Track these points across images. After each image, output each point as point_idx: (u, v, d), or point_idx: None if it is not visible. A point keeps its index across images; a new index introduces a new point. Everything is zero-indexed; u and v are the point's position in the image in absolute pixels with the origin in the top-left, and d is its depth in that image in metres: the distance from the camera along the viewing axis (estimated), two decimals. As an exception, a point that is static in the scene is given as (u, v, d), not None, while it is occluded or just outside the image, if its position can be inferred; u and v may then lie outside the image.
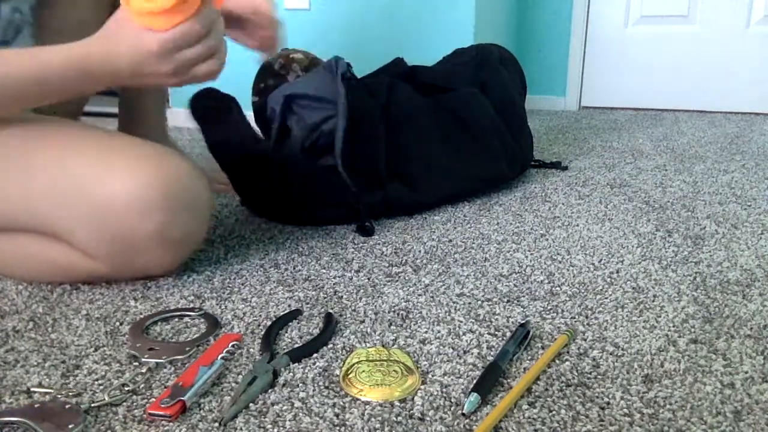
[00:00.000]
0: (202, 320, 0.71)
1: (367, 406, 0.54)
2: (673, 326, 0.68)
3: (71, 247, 0.75)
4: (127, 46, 0.70)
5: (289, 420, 0.53)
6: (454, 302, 0.75)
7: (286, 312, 0.72)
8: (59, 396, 0.57)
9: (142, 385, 0.58)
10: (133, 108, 1.22)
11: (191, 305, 0.75)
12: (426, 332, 0.67)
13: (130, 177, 0.71)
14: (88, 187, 0.71)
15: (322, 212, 1.04)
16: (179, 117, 2.15)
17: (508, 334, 0.66)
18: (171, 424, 0.52)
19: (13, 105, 0.74)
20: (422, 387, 0.57)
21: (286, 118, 1.05)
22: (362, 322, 0.70)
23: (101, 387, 0.58)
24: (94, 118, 2.04)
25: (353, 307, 0.74)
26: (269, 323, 0.69)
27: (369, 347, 0.64)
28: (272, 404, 0.55)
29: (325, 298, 0.77)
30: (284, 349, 0.65)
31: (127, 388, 0.57)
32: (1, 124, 0.76)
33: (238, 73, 1.97)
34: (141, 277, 0.81)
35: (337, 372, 0.60)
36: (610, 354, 0.62)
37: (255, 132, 1.08)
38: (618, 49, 2.38)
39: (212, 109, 1.03)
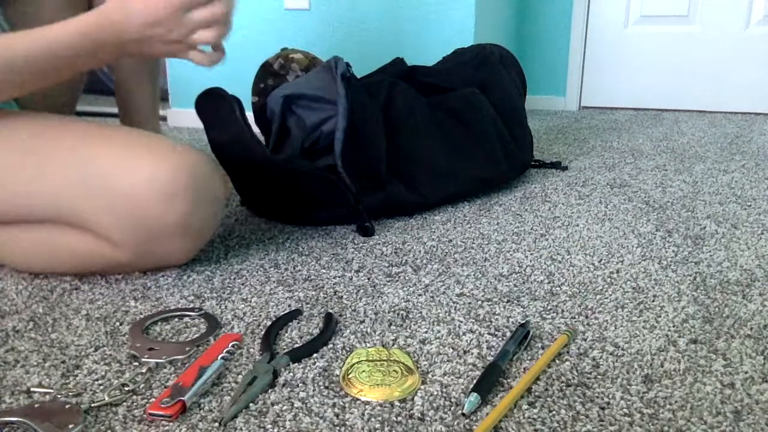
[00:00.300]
0: (202, 320, 0.71)
1: (367, 406, 0.54)
2: (673, 326, 0.68)
3: (92, 236, 0.76)
4: (142, 5, 0.71)
5: (289, 420, 0.53)
6: (454, 302, 0.75)
7: (286, 312, 0.72)
8: (59, 396, 0.57)
9: (142, 385, 0.58)
10: (129, 104, 1.22)
11: (191, 305, 0.75)
12: (426, 332, 0.67)
13: (156, 166, 0.73)
14: (114, 176, 0.73)
15: (322, 212, 1.04)
16: (179, 117, 2.15)
17: (508, 334, 0.66)
18: (171, 424, 0.52)
19: (26, 84, 0.74)
20: (422, 387, 0.57)
21: (286, 119, 1.05)
22: (362, 322, 0.70)
23: (101, 387, 0.58)
24: (91, 118, 2.05)
25: (353, 307, 0.74)
26: (269, 323, 0.69)
27: (369, 347, 0.64)
28: (272, 404, 0.55)
29: (325, 298, 0.77)
30: (284, 349, 0.65)
31: (127, 388, 0.57)
32: (16, 119, 0.77)
33: (238, 73, 1.97)
34: (159, 267, 0.83)
35: (337, 372, 0.60)
36: (610, 354, 0.62)
37: (255, 133, 1.07)
38: (618, 49, 2.38)
39: (217, 108, 1.03)
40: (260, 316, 0.72)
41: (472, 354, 0.63)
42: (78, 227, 0.77)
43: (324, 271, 0.85)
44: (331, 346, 0.65)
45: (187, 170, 0.74)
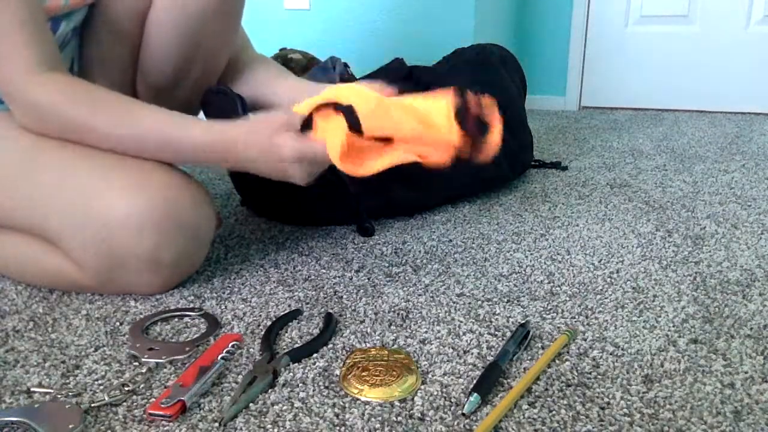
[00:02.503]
0: (202, 320, 0.71)
1: (367, 406, 0.54)
2: (673, 326, 0.68)
3: (63, 255, 0.75)
4: (262, 147, 0.73)
5: (289, 420, 0.53)
6: (454, 302, 0.75)
7: (286, 312, 0.72)
8: (59, 396, 0.57)
9: (142, 385, 0.58)
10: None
11: (191, 305, 0.75)
12: (426, 332, 0.67)
13: (129, 194, 0.71)
14: (88, 197, 0.71)
15: (322, 212, 1.04)
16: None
17: (508, 334, 0.66)
18: (171, 424, 0.52)
19: (135, 153, 0.75)
20: (422, 387, 0.57)
21: (286, 119, 1.05)
22: (362, 322, 0.70)
23: (101, 387, 0.58)
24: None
25: (353, 307, 0.74)
26: (269, 323, 0.69)
27: (369, 347, 0.64)
28: (272, 404, 0.55)
29: (325, 298, 0.77)
30: (284, 349, 0.65)
31: (127, 388, 0.57)
32: (13, 126, 0.76)
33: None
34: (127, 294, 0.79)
35: (337, 372, 0.60)
36: (610, 354, 0.62)
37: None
38: (618, 49, 2.38)
39: (220, 105, 1.04)
40: (260, 316, 0.72)
41: (472, 354, 0.63)
42: (50, 244, 0.75)
43: (324, 271, 0.85)
44: (331, 346, 0.65)
45: (161, 201, 0.71)
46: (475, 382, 0.57)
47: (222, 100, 1.01)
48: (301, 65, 1.26)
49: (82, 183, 0.72)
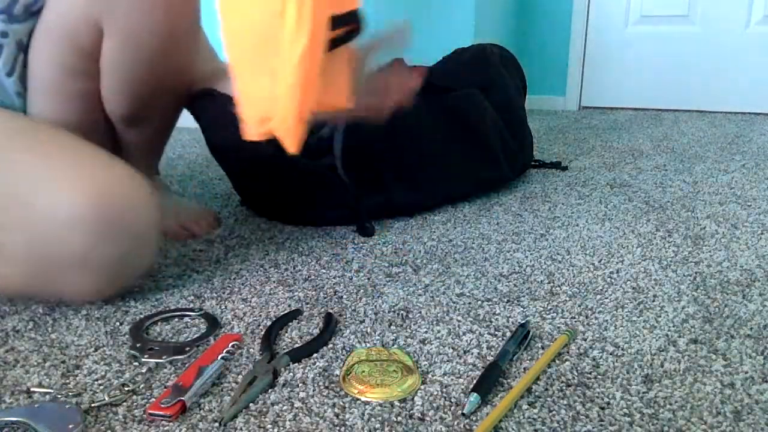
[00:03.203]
0: (202, 320, 0.71)
1: (367, 406, 0.54)
2: (673, 326, 0.68)
3: None
4: None
5: (289, 420, 0.53)
6: (454, 302, 0.75)
7: (286, 312, 0.72)
8: (59, 396, 0.57)
9: (142, 385, 0.58)
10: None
11: (191, 305, 0.75)
12: (426, 332, 0.67)
13: (64, 190, 0.67)
14: (23, 190, 0.68)
15: (322, 213, 1.04)
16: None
17: (508, 334, 0.66)
18: (171, 424, 0.52)
19: None
20: (422, 387, 0.57)
21: (286, 119, 1.05)
22: (362, 322, 0.70)
23: (101, 387, 0.58)
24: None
25: (353, 307, 0.74)
26: (269, 323, 0.69)
27: (369, 347, 0.64)
28: (272, 404, 0.55)
29: (325, 298, 0.77)
30: (284, 349, 0.65)
31: (127, 388, 0.57)
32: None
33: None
34: (58, 300, 0.75)
35: (337, 372, 0.60)
36: (610, 354, 0.62)
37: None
38: (618, 49, 2.38)
39: (212, 108, 1.03)
40: (260, 316, 0.72)
41: (472, 354, 0.63)
42: None
43: (324, 271, 0.85)
44: (331, 346, 0.65)
45: (96, 200, 0.66)
46: (475, 382, 0.57)
47: (212, 104, 1.01)
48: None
49: (19, 174, 0.69)
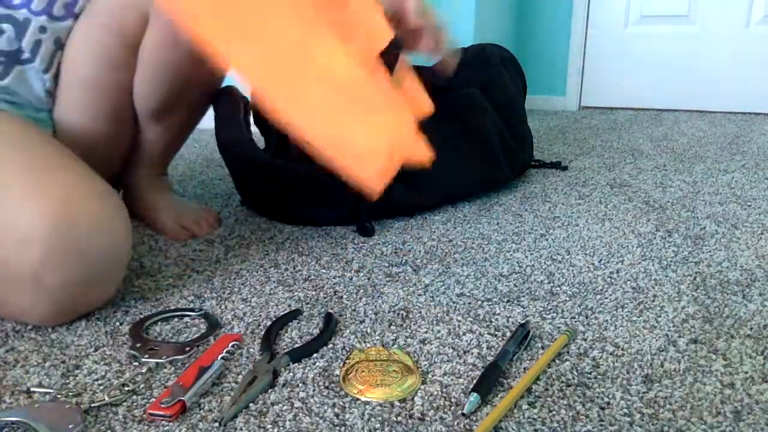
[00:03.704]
0: (202, 320, 0.71)
1: (367, 406, 0.54)
2: (673, 326, 0.68)
3: None
4: None
5: (289, 420, 0.53)
6: (454, 302, 0.75)
7: (286, 312, 0.72)
8: (59, 396, 0.57)
9: (142, 385, 0.58)
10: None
11: (191, 305, 0.75)
12: (426, 332, 0.67)
13: (21, 202, 0.64)
14: None
15: (322, 213, 1.04)
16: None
17: (508, 334, 0.66)
18: (171, 424, 0.52)
19: None
20: (422, 387, 0.57)
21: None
22: (362, 322, 0.70)
23: (101, 387, 0.58)
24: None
25: (353, 307, 0.74)
26: (269, 323, 0.69)
27: (369, 347, 0.64)
28: (272, 404, 0.55)
29: (325, 298, 0.77)
30: (284, 349, 0.65)
31: (127, 388, 0.57)
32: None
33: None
34: (15, 320, 0.71)
35: (337, 372, 0.60)
36: (610, 354, 0.62)
37: (255, 133, 1.08)
38: (618, 48, 2.38)
39: (225, 106, 1.05)
40: (260, 316, 0.72)
41: (472, 354, 0.63)
42: None
43: (324, 271, 0.85)
44: (331, 346, 0.65)
45: (52, 217, 0.62)
46: (475, 382, 0.57)
47: (226, 103, 1.03)
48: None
49: None
